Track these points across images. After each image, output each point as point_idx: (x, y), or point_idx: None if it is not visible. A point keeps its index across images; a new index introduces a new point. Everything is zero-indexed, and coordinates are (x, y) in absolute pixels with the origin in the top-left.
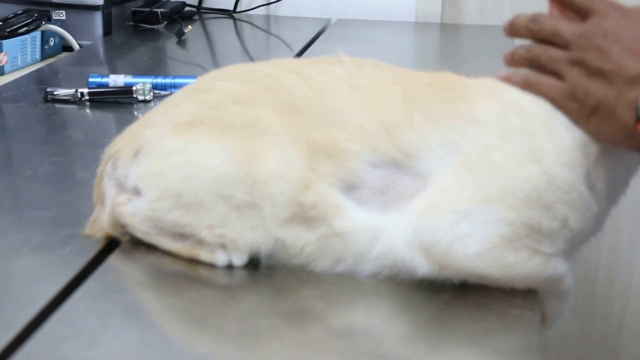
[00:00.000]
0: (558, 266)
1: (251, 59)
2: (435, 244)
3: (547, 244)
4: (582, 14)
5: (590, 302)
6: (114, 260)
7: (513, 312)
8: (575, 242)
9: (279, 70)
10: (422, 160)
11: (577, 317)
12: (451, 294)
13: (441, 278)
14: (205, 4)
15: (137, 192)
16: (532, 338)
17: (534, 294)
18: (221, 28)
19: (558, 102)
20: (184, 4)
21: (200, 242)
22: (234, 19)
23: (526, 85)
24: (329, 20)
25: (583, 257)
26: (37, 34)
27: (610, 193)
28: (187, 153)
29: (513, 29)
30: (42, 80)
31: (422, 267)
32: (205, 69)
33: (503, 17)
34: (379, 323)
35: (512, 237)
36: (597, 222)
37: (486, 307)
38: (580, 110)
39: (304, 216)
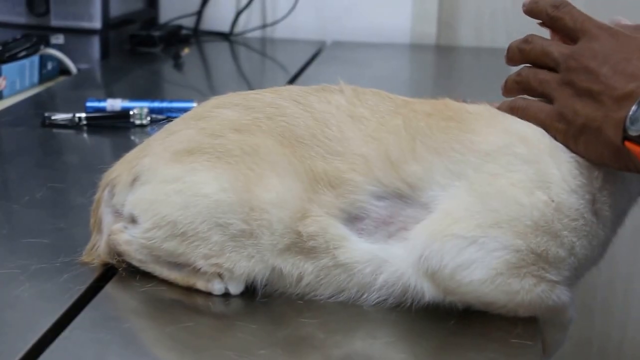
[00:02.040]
0: (562, 294)
1: (247, 82)
2: (441, 269)
3: (553, 272)
4: (573, 37)
5: (588, 330)
6: (111, 288)
7: (514, 341)
8: (580, 270)
9: (280, 99)
10: (427, 192)
11: (575, 346)
12: (451, 323)
13: (445, 305)
14: (202, 27)
15: (133, 220)
16: None
17: (534, 324)
18: (217, 51)
19: (546, 124)
20: (181, 27)
21: (196, 271)
22: (230, 42)
23: (514, 110)
24: (324, 42)
25: (581, 285)
26: (35, 58)
27: (614, 220)
28: (183, 181)
29: (508, 54)
30: (40, 105)
31: (428, 292)
32: (201, 92)
33: (499, 39)
34: (379, 352)
35: (519, 264)
36: (601, 250)
37: (487, 336)
38: (569, 131)
39: (302, 246)
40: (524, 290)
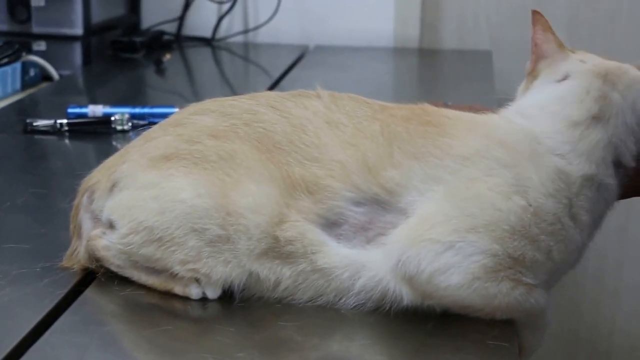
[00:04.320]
0: (539, 298)
1: (230, 87)
2: (419, 274)
3: (530, 275)
4: None
5: (576, 326)
6: (90, 292)
7: (490, 343)
8: (556, 274)
9: (257, 105)
10: (405, 197)
11: (563, 342)
12: (429, 325)
13: (423, 308)
14: (184, 33)
15: (111, 225)
16: None
17: (511, 326)
18: (200, 56)
19: None
20: (163, 33)
21: (173, 276)
22: (213, 47)
23: None
24: (307, 47)
25: (569, 281)
26: (17, 65)
27: (590, 224)
28: (160, 187)
29: None
30: (22, 111)
31: (407, 296)
32: (184, 97)
33: (481, 42)
34: (356, 354)
35: (496, 269)
36: (578, 255)
37: (464, 338)
38: None
39: (280, 251)
40: (501, 294)
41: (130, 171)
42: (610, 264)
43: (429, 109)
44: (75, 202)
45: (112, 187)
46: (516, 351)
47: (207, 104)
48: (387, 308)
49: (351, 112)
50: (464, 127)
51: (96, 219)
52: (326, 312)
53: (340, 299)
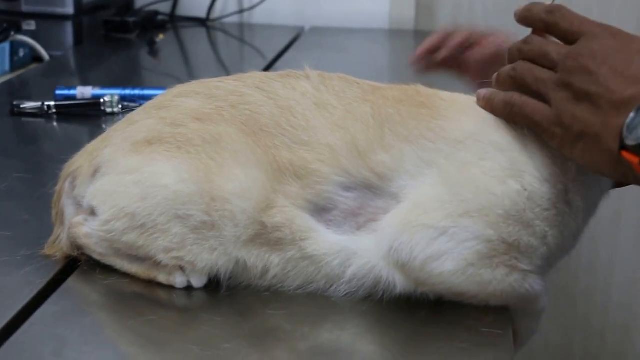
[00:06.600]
0: (535, 284)
1: (224, 68)
2: (411, 261)
3: (525, 261)
4: (571, 39)
5: (571, 314)
6: (73, 281)
7: (484, 330)
8: (552, 260)
9: (244, 87)
10: (396, 181)
11: (561, 328)
12: (422, 313)
13: (417, 295)
14: (178, 13)
15: (92, 212)
16: (504, 357)
17: (506, 312)
18: (194, 37)
19: (543, 127)
20: (157, 13)
21: (157, 264)
22: (207, 28)
23: (508, 106)
24: (303, 28)
25: (562, 271)
26: (6, 45)
27: (585, 211)
28: (142, 172)
29: (509, 56)
30: (11, 92)
31: (400, 283)
32: (177, 79)
33: (477, 24)
34: (347, 344)
35: (490, 254)
36: (573, 240)
37: (457, 325)
38: (566, 136)
39: (268, 238)
40: (496, 281)
41: (112, 156)
42: (603, 255)
43: (422, 90)
44: (57, 187)
45: (95, 172)
46: (511, 338)
47: (192, 85)
48: (380, 296)
49: (341, 93)
50: (459, 109)
51: (78, 206)
52: (316, 300)
53: (330, 286)
